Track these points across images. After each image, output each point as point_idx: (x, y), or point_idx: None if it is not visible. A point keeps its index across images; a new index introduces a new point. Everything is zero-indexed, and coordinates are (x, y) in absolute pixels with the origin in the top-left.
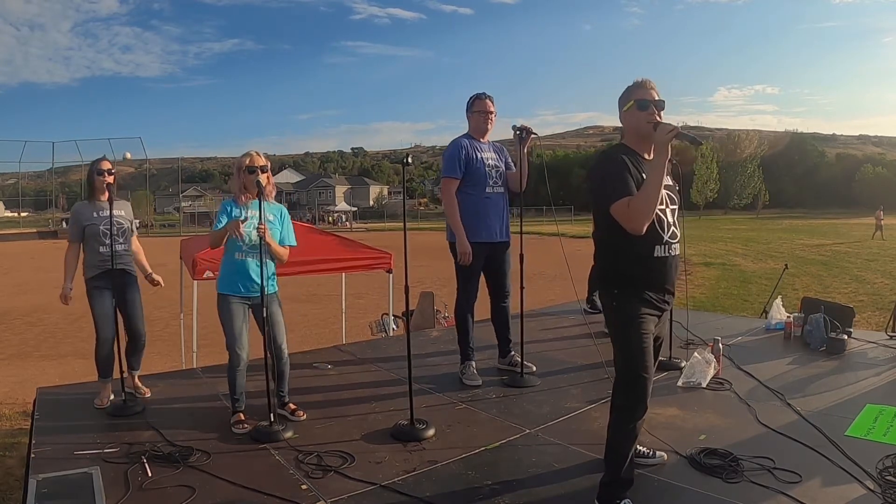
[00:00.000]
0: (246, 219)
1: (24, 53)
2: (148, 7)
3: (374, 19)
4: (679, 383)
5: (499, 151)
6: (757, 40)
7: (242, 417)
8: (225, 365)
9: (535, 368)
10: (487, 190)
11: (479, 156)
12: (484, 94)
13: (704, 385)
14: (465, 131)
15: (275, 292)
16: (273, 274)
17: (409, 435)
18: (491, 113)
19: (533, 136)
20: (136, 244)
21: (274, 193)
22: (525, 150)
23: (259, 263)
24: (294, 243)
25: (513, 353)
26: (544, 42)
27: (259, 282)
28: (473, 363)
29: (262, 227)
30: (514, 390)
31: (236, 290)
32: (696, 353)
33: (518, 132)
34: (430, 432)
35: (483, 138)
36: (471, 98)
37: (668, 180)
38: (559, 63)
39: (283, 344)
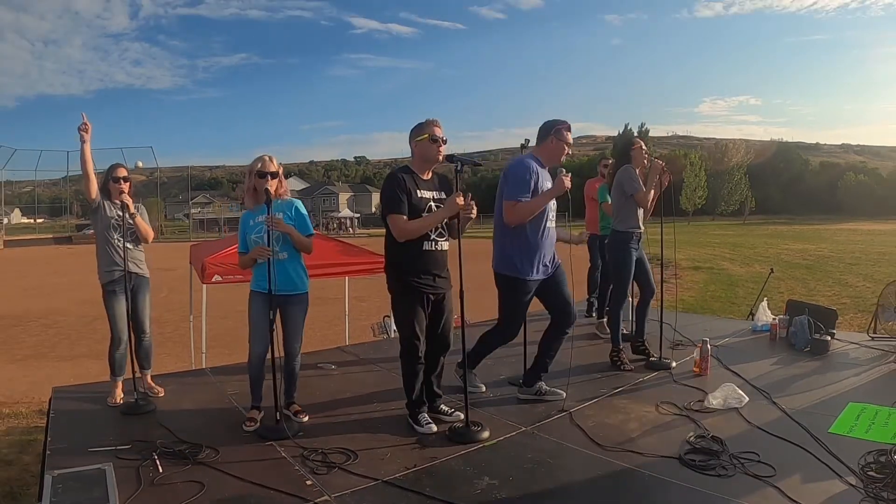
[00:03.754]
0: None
1: (40, 67)
2: (157, 23)
3: (374, 34)
4: (713, 404)
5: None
6: (740, 53)
7: (256, 416)
8: (233, 365)
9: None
10: (548, 224)
11: (543, 185)
12: (567, 124)
13: (740, 407)
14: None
15: (304, 292)
16: (303, 273)
17: (465, 437)
18: (570, 144)
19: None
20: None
21: (288, 195)
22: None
23: (284, 262)
24: (312, 232)
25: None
26: (537, 56)
27: (286, 280)
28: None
29: (270, 220)
30: (510, 389)
31: (263, 287)
32: (732, 386)
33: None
34: (486, 434)
35: (548, 167)
36: (554, 125)
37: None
38: (552, 75)
39: (297, 344)
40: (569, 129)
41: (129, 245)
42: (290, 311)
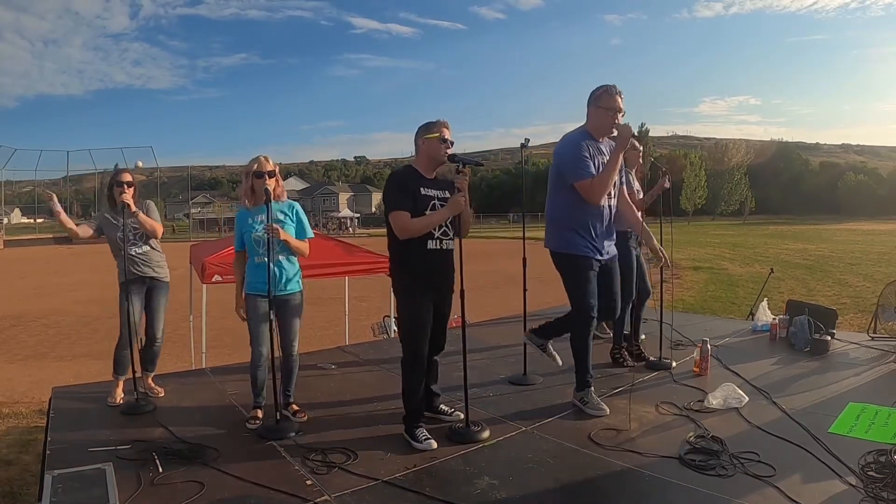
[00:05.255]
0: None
1: (40, 67)
2: (157, 23)
3: (374, 34)
4: (713, 404)
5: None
6: (740, 53)
7: (259, 414)
8: (233, 365)
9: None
10: (606, 202)
11: (597, 156)
12: (607, 87)
13: (740, 407)
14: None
15: (298, 291)
16: (297, 273)
17: (465, 437)
18: (621, 111)
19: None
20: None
21: (285, 196)
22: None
23: (278, 263)
24: (311, 235)
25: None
26: (537, 56)
27: (281, 281)
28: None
29: (271, 227)
30: (510, 388)
31: (258, 289)
32: (732, 386)
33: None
34: (486, 434)
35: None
36: (592, 94)
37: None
38: (552, 75)
39: (294, 342)
40: (612, 94)
41: (143, 247)
42: (288, 311)
